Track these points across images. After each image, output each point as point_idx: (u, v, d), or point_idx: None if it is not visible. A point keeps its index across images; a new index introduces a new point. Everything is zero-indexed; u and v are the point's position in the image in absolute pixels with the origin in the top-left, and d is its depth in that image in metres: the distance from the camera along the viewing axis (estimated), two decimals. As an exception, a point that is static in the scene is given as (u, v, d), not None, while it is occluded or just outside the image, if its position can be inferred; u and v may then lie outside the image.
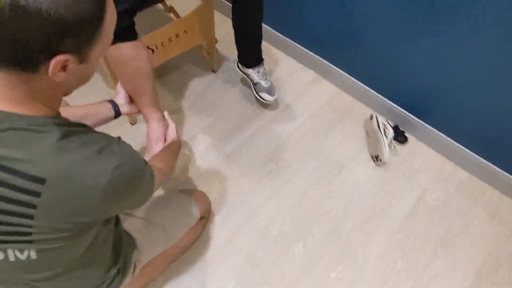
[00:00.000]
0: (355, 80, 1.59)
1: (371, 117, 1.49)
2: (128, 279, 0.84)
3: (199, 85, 1.66)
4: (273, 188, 1.35)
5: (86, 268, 0.71)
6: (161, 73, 1.69)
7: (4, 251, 0.57)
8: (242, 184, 1.35)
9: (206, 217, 1.19)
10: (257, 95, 1.51)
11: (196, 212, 1.10)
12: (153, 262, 0.96)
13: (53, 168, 0.51)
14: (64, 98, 1.04)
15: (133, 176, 0.60)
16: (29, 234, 0.54)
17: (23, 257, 0.58)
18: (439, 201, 1.36)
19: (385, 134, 1.44)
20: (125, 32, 1.03)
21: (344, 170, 1.42)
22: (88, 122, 0.99)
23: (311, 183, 1.37)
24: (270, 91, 1.48)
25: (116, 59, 1.05)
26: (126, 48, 1.03)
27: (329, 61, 1.64)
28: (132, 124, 1.49)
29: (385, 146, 1.39)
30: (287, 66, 1.77)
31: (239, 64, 1.50)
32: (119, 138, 0.63)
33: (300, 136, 1.51)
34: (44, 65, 0.48)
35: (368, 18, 1.36)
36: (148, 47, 1.31)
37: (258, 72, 1.46)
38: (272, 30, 1.77)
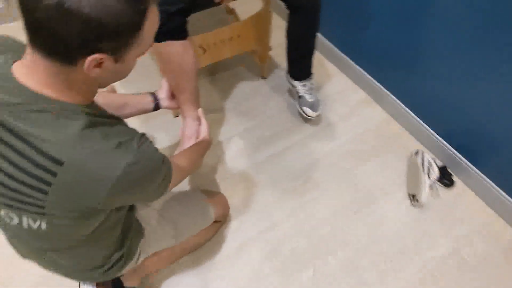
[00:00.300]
0: (407, 110, 1.48)
1: (417, 153, 1.38)
2: (130, 266, 0.88)
3: (246, 89, 1.67)
4: (295, 206, 1.32)
5: (91, 247, 0.75)
6: (212, 71, 1.74)
7: (20, 217, 0.63)
8: (266, 195, 1.35)
9: (221, 222, 1.20)
10: (299, 109, 1.48)
11: (212, 214, 1.11)
12: (157, 255, 1.00)
13: (72, 154, 0.55)
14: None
15: (145, 175, 0.62)
16: (42, 207, 0.59)
17: (35, 226, 0.63)
18: (476, 259, 1.22)
19: (428, 174, 1.32)
20: (176, 31, 1.07)
21: (375, 202, 1.34)
22: (127, 111, 1.05)
23: (337, 209, 1.32)
24: (313, 106, 1.45)
25: (164, 56, 1.10)
26: (174, 46, 1.08)
27: (383, 85, 1.55)
28: (175, 116, 1.55)
29: (425, 186, 1.28)
30: (339, 83, 1.71)
31: (288, 74, 1.48)
32: (143, 135, 0.65)
33: (336, 157, 1.45)
34: (81, 61, 0.52)
35: (432, 46, 1.25)
36: (200, 46, 1.35)
37: (304, 86, 1.44)
38: (330, 43, 1.72)
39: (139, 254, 0.90)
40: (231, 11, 1.65)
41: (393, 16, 1.33)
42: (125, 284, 1.03)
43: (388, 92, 1.54)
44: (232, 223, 1.27)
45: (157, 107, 1.12)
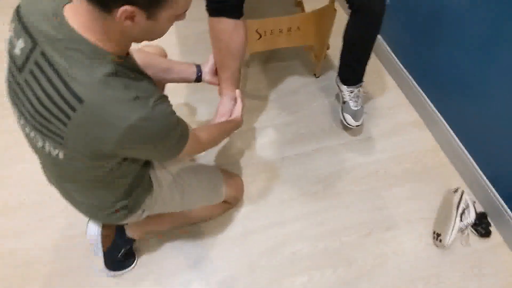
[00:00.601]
0: (459, 141, 1.35)
1: (456, 190, 1.26)
2: (133, 218, 0.94)
3: (295, 83, 1.65)
4: (309, 210, 1.29)
5: (100, 189, 0.81)
6: (267, 59, 1.74)
7: (44, 141, 0.69)
8: (283, 191, 1.33)
9: (231, 204, 1.22)
10: (341, 114, 1.43)
11: (223, 194, 1.13)
12: (161, 216, 1.05)
13: (92, 96, 0.59)
14: (162, 46, 1.17)
15: (155, 133, 0.65)
16: (61, 137, 0.64)
17: (54, 153, 0.69)
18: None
19: (461, 216, 1.20)
20: (231, 10, 1.08)
21: (393, 229, 1.25)
22: (169, 76, 1.09)
23: (350, 225, 1.26)
24: (356, 115, 1.38)
25: (214, 31, 1.12)
26: (226, 24, 1.09)
27: (440, 111, 1.42)
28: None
29: (453, 229, 1.17)
30: (393, 98, 1.61)
31: (337, 77, 1.43)
32: (163, 96, 0.67)
33: (365, 172, 1.38)
34: (116, 10, 0.55)
35: (501, 83, 1.12)
36: (256, 31, 1.36)
37: (351, 92, 1.38)
38: (393, 55, 1.62)
39: (144, 210, 0.95)
40: (299, 4, 1.62)
41: (467, 42, 1.20)
42: (127, 233, 1.10)
43: (442, 119, 1.41)
44: (243, 209, 1.29)
45: (199, 79, 1.15)
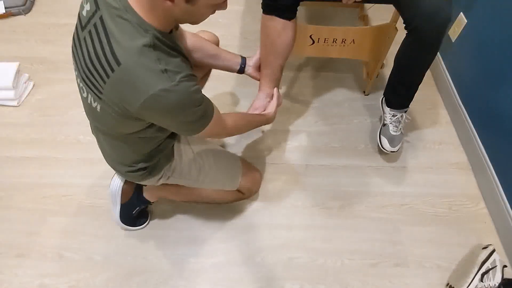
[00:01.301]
0: (505, 197, 1.21)
1: (486, 247, 1.13)
2: (150, 181, 1.01)
3: (341, 96, 1.61)
4: (319, 224, 1.25)
5: (127, 146, 0.88)
6: (320, 67, 1.73)
7: (87, 92, 0.78)
8: (298, 198, 1.31)
9: (244, 194, 1.23)
10: (378, 137, 1.36)
11: (237, 183, 1.16)
12: (176, 187, 1.11)
13: (128, 61, 0.66)
14: (216, 35, 1.23)
15: (174, 105, 0.69)
16: (101, 92, 0.73)
17: (94, 105, 0.78)
18: None
19: (483, 276, 1.08)
20: (284, 10, 1.10)
21: (402, 268, 1.17)
22: (215, 62, 1.15)
23: (357, 250, 1.20)
24: (393, 140, 1.31)
25: (263, 28, 1.15)
26: (276, 22, 1.12)
27: (490, 158, 1.29)
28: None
29: (468, 286, 1.05)
30: (442, 133, 1.50)
31: (383, 97, 1.37)
32: (192, 75, 0.72)
33: (388, 202, 1.30)
34: None
35: None
36: (310, 36, 1.36)
37: (393, 115, 1.31)
38: (454, 89, 1.50)
39: (161, 177, 1.01)
40: (363, 17, 1.58)
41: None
42: (144, 194, 1.18)
43: (491, 167, 1.27)
44: (256, 203, 1.30)
45: (242, 70, 1.20)
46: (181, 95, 0.68)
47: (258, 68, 1.21)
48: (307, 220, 1.26)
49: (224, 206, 1.27)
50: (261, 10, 1.14)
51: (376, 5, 1.30)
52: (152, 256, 1.17)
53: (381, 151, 1.40)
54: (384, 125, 1.35)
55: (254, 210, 1.28)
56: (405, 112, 1.31)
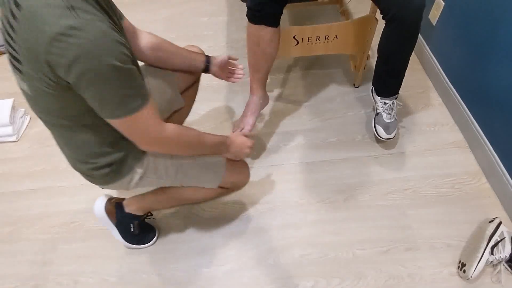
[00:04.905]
0: (505, 170, 1.22)
1: (492, 220, 1.14)
2: (122, 184, 0.90)
3: (333, 91, 1.64)
4: (326, 218, 1.27)
5: (73, 135, 0.78)
6: (308, 66, 1.76)
7: (16, 74, 0.67)
8: (302, 195, 1.33)
9: (228, 190, 1.14)
10: (373, 126, 1.38)
11: (221, 180, 1.06)
12: (155, 193, 1.08)
13: (30, 1, 0.58)
14: (202, 46, 1.23)
15: (90, 49, 0.59)
16: (19, 61, 0.63)
17: (25, 88, 0.68)
18: None
19: (492, 249, 1.09)
20: (271, 18, 1.15)
21: (413, 251, 1.17)
22: (176, 60, 1.06)
23: (367, 239, 1.21)
24: (388, 128, 1.33)
25: (253, 38, 1.19)
26: (266, 31, 1.17)
27: (486, 134, 1.30)
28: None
29: (479, 261, 1.06)
30: (437, 115, 1.52)
31: (372, 87, 1.40)
32: (108, 22, 0.63)
33: (393, 189, 1.32)
34: None
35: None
36: (294, 37, 1.39)
37: (385, 103, 1.33)
38: (441, 71, 1.53)
39: (133, 178, 0.90)
40: (344, 12, 1.61)
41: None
42: (126, 209, 1.14)
43: (488, 143, 1.29)
44: (260, 207, 1.31)
45: (206, 69, 1.12)
46: (94, 35, 0.58)
47: (223, 67, 1.16)
48: (314, 216, 1.28)
49: (228, 214, 1.28)
50: (246, 19, 1.18)
51: (355, -2, 1.34)
52: (165, 270, 1.18)
53: (378, 140, 1.42)
54: (377, 114, 1.37)
55: (261, 213, 1.30)
56: (396, 98, 1.33)
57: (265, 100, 1.33)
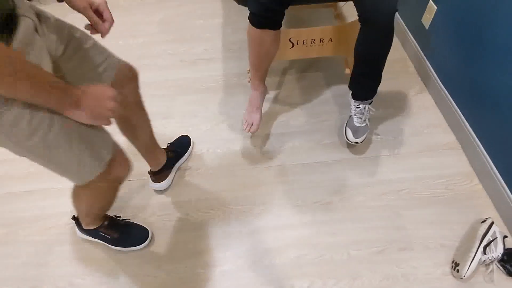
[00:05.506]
0: (497, 171, 1.24)
1: (485, 221, 1.16)
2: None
3: (327, 93, 1.66)
4: (320, 219, 1.28)
5: None
6: (304, 68, 1.77)
7: None
8: (298, 197, 1.34)
9: (115, 183, 0.93)
10: (344, 128, 1.41)
11: (99, 168, 0.80)
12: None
13: None
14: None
15: None
16: None
17: None
18: None
19: (485, 248, 1.11)
20: (273, 22, 1.17)
21: (408, 252, 1.19)
22: None
23: (362, 240, 1.22)
24: (357, 132, 1.35)
25: (256, 40, 1.22)
26: (269, 34, 1.19)
27: (478, 136, 1.33)
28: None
29: (472, 260, 1.08)
30: (430, 117, 1.54)
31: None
32: None
33: (387, 190, 1.33)
34: None
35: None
36: (290, 40, 1.41)
37: (357, 107, 1.34)
38: (434, 73, 1.55)
39: None
40: (338, 16, 1.63)
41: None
42: (84, 227, 1.18)
43: (480, 145, 1.31)
44: (257, 209, 1.32)
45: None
46: None
47: (94, 10, 0.82)
48: (310, 217, 1.29)
49: (223, 216, 1.29)
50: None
51: (349, 2, 1.35)
52: (161, 272, 1.19)
53: (348, 144, 1.44)
54: (350, 116, 1.39)
55: (256, 214, 1.30)
56: (369, 104, 1.34)
57: (265, 92, 1.42)
